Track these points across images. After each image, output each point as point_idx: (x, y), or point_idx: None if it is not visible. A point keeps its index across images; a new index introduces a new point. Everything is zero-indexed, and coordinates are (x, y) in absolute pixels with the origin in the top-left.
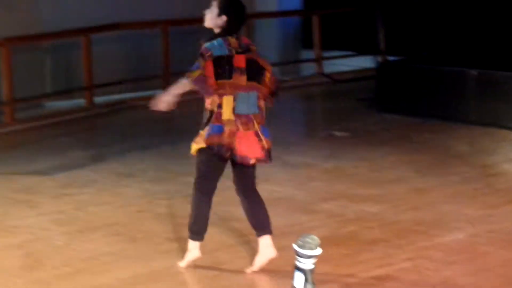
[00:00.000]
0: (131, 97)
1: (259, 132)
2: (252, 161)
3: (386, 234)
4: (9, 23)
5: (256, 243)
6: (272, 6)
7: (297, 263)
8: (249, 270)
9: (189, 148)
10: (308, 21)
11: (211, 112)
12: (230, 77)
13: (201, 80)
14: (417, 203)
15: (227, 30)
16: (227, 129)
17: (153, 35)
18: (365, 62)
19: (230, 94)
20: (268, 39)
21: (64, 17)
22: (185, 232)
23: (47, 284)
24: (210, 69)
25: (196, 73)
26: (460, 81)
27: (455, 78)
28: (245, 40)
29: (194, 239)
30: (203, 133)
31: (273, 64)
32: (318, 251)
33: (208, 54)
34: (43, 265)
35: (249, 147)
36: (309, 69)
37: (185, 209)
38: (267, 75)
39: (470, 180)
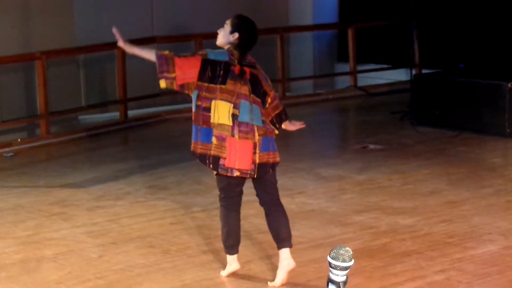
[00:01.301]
0: (165, 110)
1: (257, 144)
2: (236, 173)
3: (419, 246)
4: (44, 37)
5: None
6: (307, 20)
7: (330, 275)
8: (271, 284)
9: None
10: (343, 34)
11: (196, 113)
12: (223, 83)
13: (164, 58)
14: (450, 216)
15: (238, 47)
16: (216, 133)
17: (187, 49)
18: (399, 75)
19: (224, 100)
20: (303, 52)
21: (98, 31)
22: (218, 244)
23: None
24: (194, 64)
25: (167, 52)
26: (494, 94)
27: (489, 91)
28: (250, 58)
29: (230, 253)
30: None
31: (308, 77)
32: (352, 263)
33: (201, 53)
34: (76, 277)
35: (240, 158)
36: (343, 82)
37: (219, 221)
38: (268, 100)
39: (504, 192)
